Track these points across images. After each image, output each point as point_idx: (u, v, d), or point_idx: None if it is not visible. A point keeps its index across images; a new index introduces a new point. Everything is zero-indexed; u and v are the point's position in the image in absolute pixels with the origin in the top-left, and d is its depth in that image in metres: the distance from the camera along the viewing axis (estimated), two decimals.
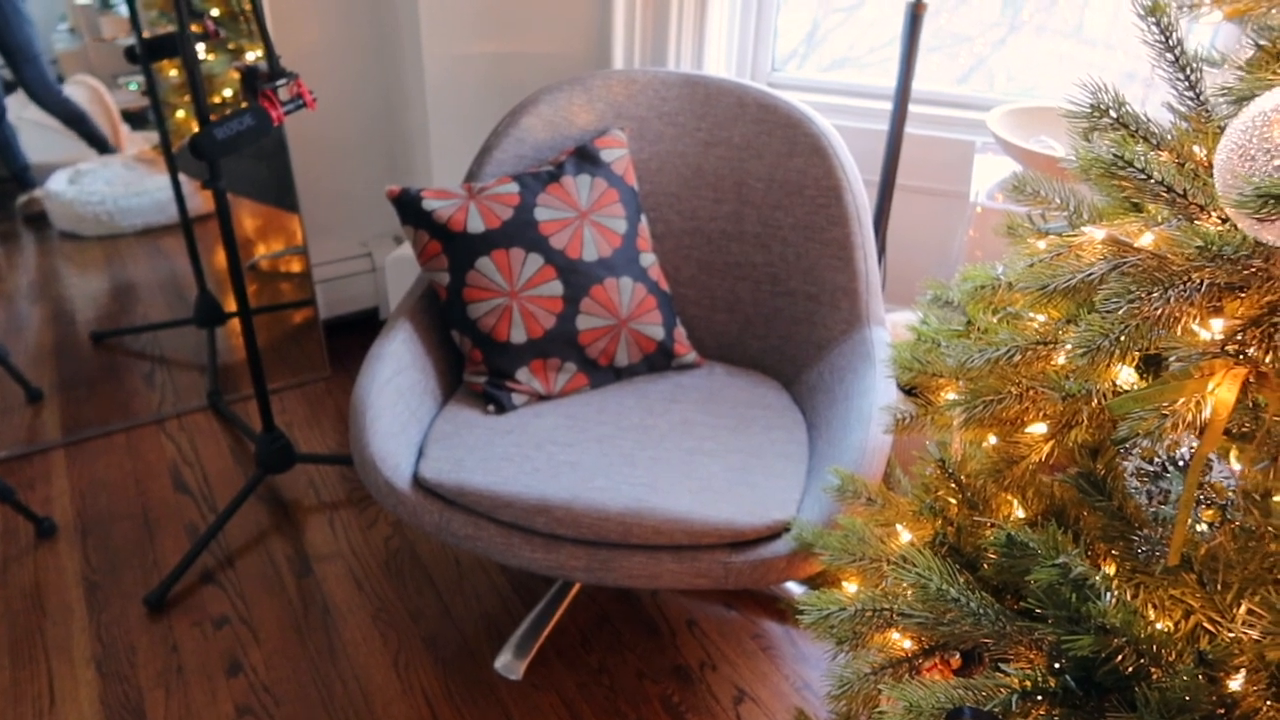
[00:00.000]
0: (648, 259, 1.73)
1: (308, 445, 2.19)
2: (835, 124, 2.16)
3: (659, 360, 1.74)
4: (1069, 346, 0.82)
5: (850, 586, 1.31)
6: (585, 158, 1.71)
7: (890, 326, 1.83)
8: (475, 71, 2.03)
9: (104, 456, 2.15)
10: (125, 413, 2.25)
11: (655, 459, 1.51)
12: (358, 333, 2.57)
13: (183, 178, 2.23)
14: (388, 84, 2.35)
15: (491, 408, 1.62)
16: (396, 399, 1.53)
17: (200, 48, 2.12)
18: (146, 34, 2.04)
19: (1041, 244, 1.15)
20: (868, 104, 2.19)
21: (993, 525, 0.99)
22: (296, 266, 2.36)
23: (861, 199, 1.70)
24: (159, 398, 2.28)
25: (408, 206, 1.63)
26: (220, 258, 2.32)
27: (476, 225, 1.62)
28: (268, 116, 1.64)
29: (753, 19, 2.15)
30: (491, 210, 1.63)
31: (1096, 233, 0.86)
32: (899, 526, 1.14)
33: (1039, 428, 0.97)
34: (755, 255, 1.78)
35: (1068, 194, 1.12)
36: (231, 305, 2.34)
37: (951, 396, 1.17)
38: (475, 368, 1.65)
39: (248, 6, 2.03)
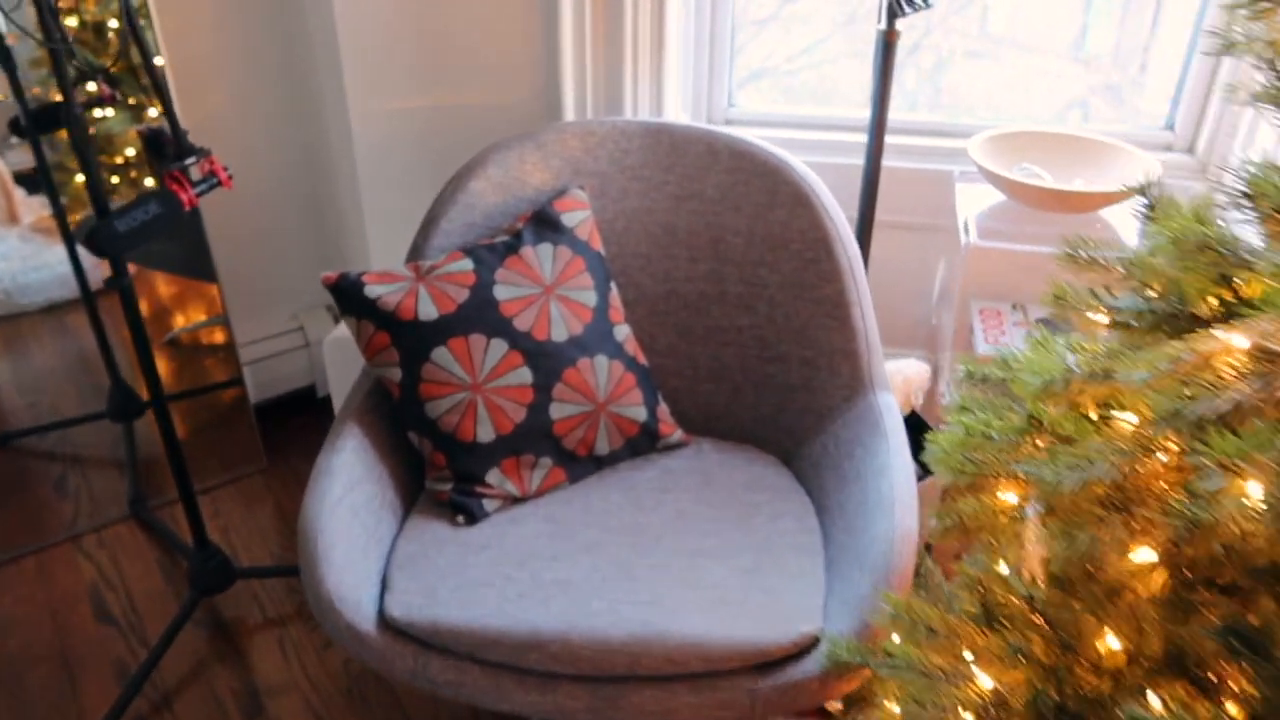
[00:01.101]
0: (622, 332, 1.55)
1: (248, 554, 1.95)
2: (801, 161, 2.01)
3: (643, 443, 1.56)
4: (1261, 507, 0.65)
5: (892, 706, 1.15)
6: (545, 223, 1.52)
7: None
8: (411, 129, 1.83)
9: (12, 588, 1.89)
10: (35, 531, 1.99)
11: (655, 568, 1.33)
12: (295, 414, 2.34)
13: (83, 251, 1.98)
14: (311, 146, 2.14)
15: (461, 518, 1.42)
16: (351, 520, 1.33)
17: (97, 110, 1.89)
18: (33, 103, 1.80)
19: (1102, 319, 1.00)
20: (832, 136, 2.05)
21: (1112, 684, 0.83)
22: (220, 337, 2.13)
23: (854, 251, 1.54)
24: (73, 509, 2.03)
25: (348, 295, 1.43)
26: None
27: (429, 311, 1.42)
28: (177, 202, 1.43)
29: (706, 54, 1.99)
30: (444, 292, 1.43)
31: (1233, 338, 0.71)
32: (968, 656, 0.98)
33: (1145, 553, 0.82)
34: (740, 318, 1.61)
35: (1131, 260, 0.97)
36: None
37: (1022, 504, 1.01)
38: (438, 473, 1.45)
39: (145, 79, 1.80)
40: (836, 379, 1.54)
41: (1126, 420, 0.86)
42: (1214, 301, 0.91)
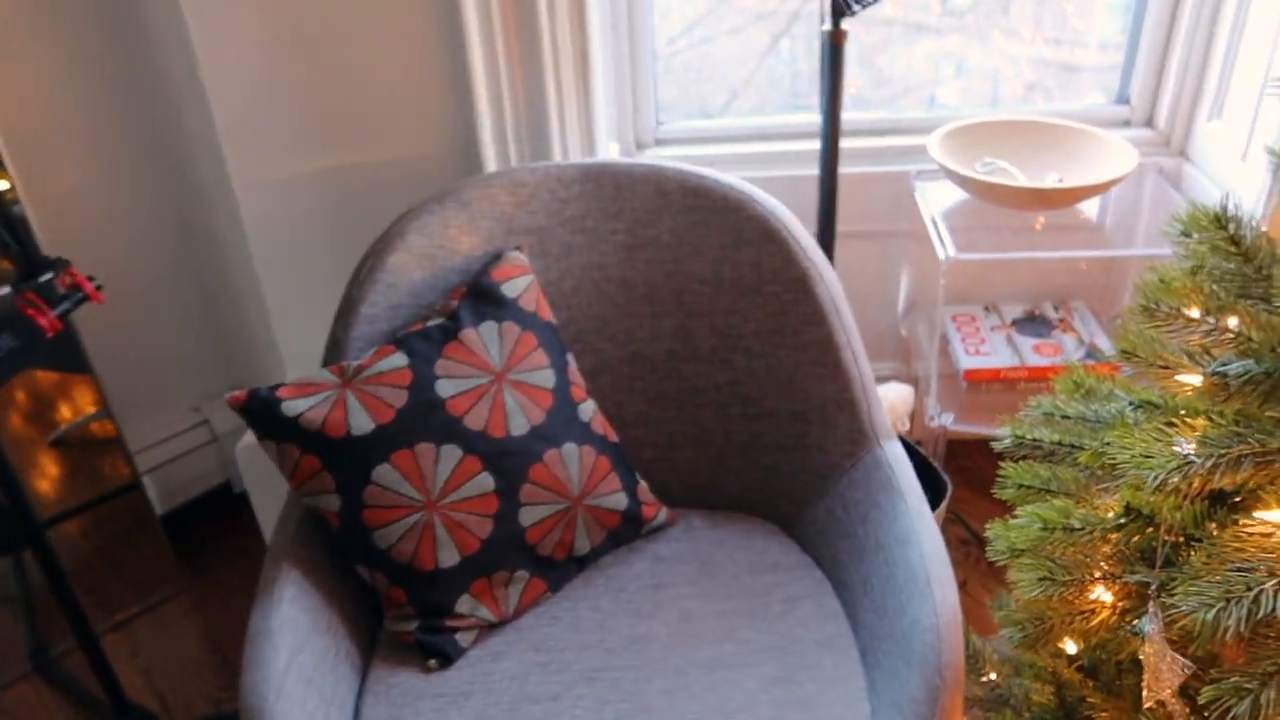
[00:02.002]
0: (587, 410, 1.35)
1: (180, 699, 1.70)
2: (741, 177, 1.83)
3: (626, 533, 1.37)
4: None
5: None
6: (483, 297, 1.31)
7: None
8: (308, 197, 1.59)
9: None
10: None
11: (671, 693, 1.14)
12: (210, 518, 2.07)
13: None
14: (193, 223, 1.87)
15: (433, 662, 1.21)
16: (304, 690, 1.10)
17: None
18: None
19: (1194, 380, 0.85)
20: (773, 147, 1.88)
21: None
22: (110, 430, 1.86)
23: (835, 287, 1.37)
24: None
25: (262, 416, 1.20)
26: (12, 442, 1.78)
27: (363, 423, 1.20)
28: (37, 331, 1.18)
29: (628, 73, 1.79)
30: (378, 398, 1.21)
31: None
32: None
33: None
34: (716, 375, 1.43)
35: (1219, 314, 0.82)
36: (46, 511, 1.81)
37: (1118, 605, 0.85)
38: (399, 611, 1.24)
39: None
40: (834, 433, 1.37)
41: (1270, 523, 0.70)
42: None
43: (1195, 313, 0.81)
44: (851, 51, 1.88)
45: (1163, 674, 0.77)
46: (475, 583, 1.24)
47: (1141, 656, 0.79)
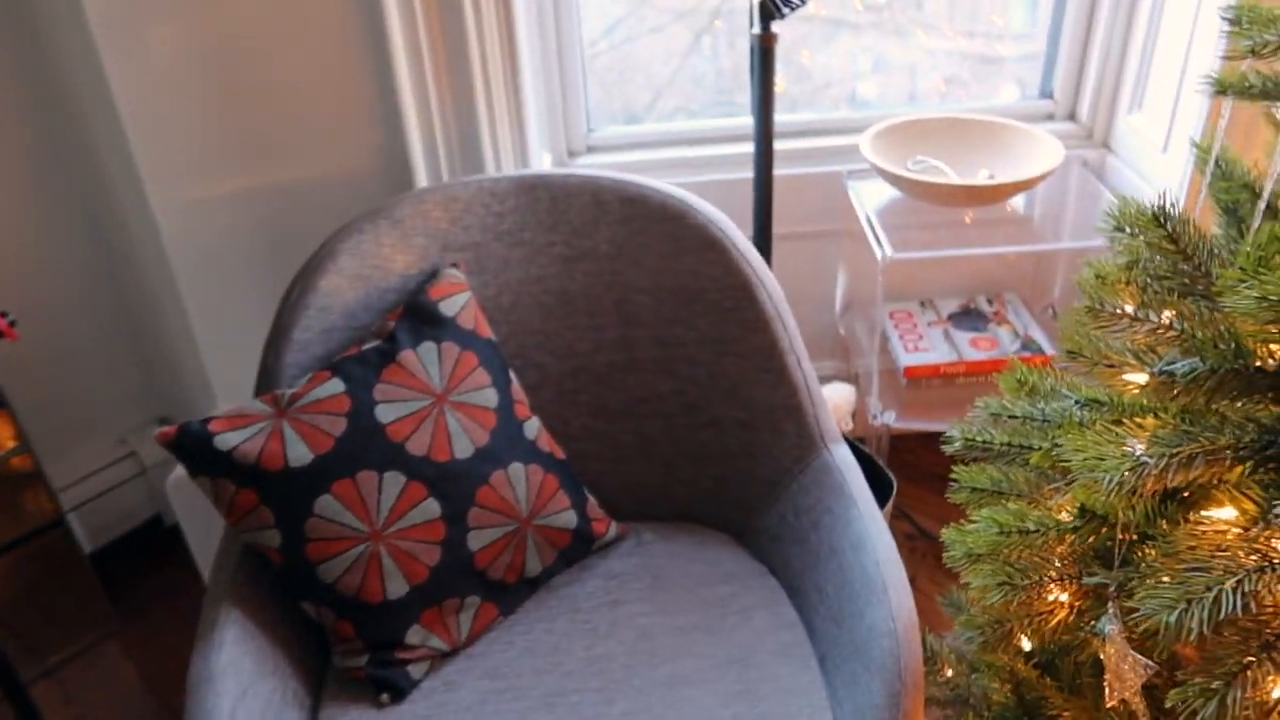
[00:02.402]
0: (532, 428, 1.32)
1: None
2: (675, 183, 1.82)
3: (577, 551, 1.35)
4: None
5: None
6: (421, 317, 1.28)
7: None
8: (232, 216, 1.53)
9: None
10: None
11: (632, 715, 1.12)
12: (142, 554, 1.99)
13: None
14: (112, 248, 1.80)
15: (386, 696, 1.17)
16: None
17: None
18: None
19: (1140, 379, 0.85)
20: (704, 151, 1.87)
21: None
22: (29, 465, 1.77)
23: (777, 293, 1.37)
24: None
25: (194, 452, 1.15)
26: None
27: (301, 454, 1.16)
28: None
29: (557, 80, 1.77)
30: (316, 427, 1.17)
31: None
32: None
33: None
34: (660, 385, 1.42)
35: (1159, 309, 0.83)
36: None
37: (1074, 605, 0.86)
38: (347, 646, 1.19)
39: None
40: (782, 439, 1.36)
41: (1223, 521, 0.71)
42: (1276, 348, 0.77)
43: (1137, 310, 0.82)
44: (810, 64, 1.89)
45: (1125, 674, 0.78)
46: (425, 612, 1.21)
47: (1102, 657, 0.80)
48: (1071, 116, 1.91)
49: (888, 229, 1.69)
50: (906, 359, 1.79)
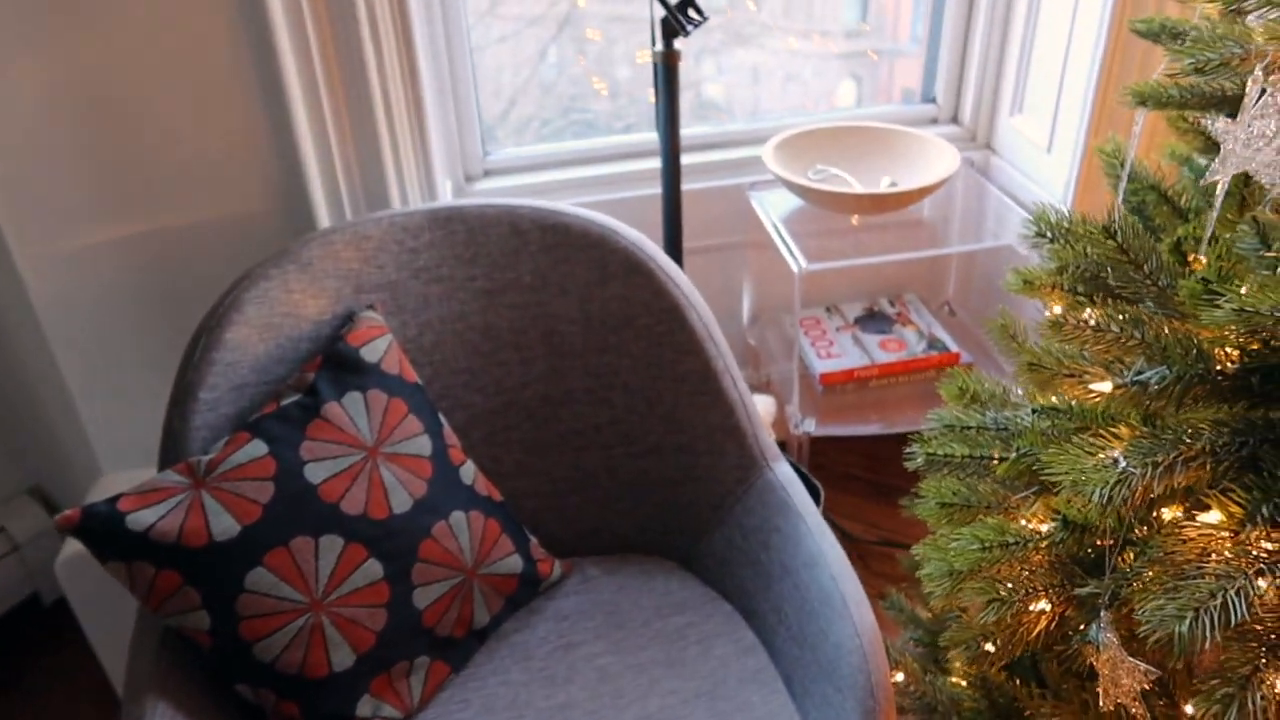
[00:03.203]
0: (469, 472, 1.27)
1: None
2: (578, 203, 1.79)
3: (524, 595, 1.29)
4: None
5: None
6: (342, 366, 1.20)
7: None
8: (112, 267, 1.41)
9: None
10: None
11: None
12: (18, 637, 1.81)
13: None
14: None
15: None
16: None
17: None
18: None
19: (1104, 388, 0.87)
20: (602, 170, 1.84)
21: None
22: None
23: (707, 314, 1.35)
24: None
25: (103, 535, 1.04)
26: None
27: (227, 527, 1.07)
28: None
29: (450, 102, 1.70)
30: (240, 495, 1.08)
31: None
32: None
33: None
34: (594, 416, 1.38)
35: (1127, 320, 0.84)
36: None
37: (1058, 612, 0.87)
38: None
39: None
40: (723, 460, 1.35)
41: (1209, 525, 0.73)
42: (1233, 352, 0.80)
43: (1099, 322, 0.83)
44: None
45: (1121, 680, 0.79)
46: (375, 680, 1.13)
47: (1096, 665, 0.81)
48: (955, 119, 1.97)
49: (805, 244, 1.70)
50: (821, 365, 1.81)
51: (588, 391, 1.37)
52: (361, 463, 1.15)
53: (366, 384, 1.20)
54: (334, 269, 1.28)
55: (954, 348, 1.83)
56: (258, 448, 1.12)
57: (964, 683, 1.11)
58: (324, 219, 1.39)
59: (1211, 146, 1.09)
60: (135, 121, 1.33)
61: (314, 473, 1.12)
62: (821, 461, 2.10)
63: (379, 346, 1.23)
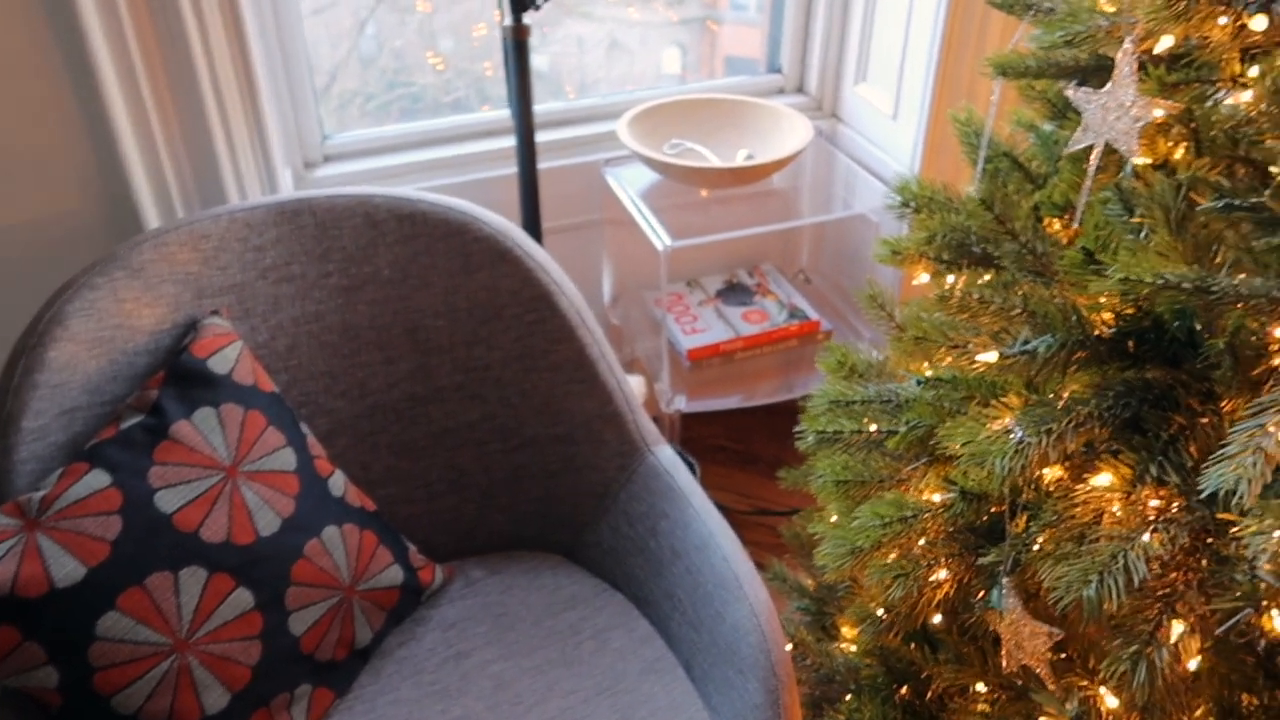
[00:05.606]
0: (338, 484, 1.19)
1: None
2: (426, 187, 1.71)
3: (406, 606, 1.23)
4: None
5: None
6: (188, 380, 1.10)
7: None
8: None
9: None
10: None
11: None
12: None
13: None
14: None
15: None
16: None
17: None
18: None
19: (989, 358, 0.89)
20: (448, 152, 1.76)
21: None
22: None
23: (578, 299, 1.31)
24: None
25: None
26: None
27: (69, 570, 0.96)
28: None
29: (284, 85, 1.58)
30: (83, 533, 0.97)
31: None
32: None
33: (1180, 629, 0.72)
34: (467, 412, 1.32)
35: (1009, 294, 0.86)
36: None
37: (958, 579, 0.88)
38: None
39: None
40: (604, 448, 1.32)
41: (1101, 487, 0.75)
42: (1109, 316, 0.83)
43: (983, 294, 0.84)
44: (495, 39, 1.79)
45: (1025, 643, 0.81)
46: (254, 716, 1.05)
47: (998, 630, 0.83)
48: (800, 89, 1.99)
49: (669, 219, 1.67)
50: (687, 342, 1.80)
51: (458, 388, 1.31)
52: (220, 485, 1.05)
53: (218, 398, 1.10)
54: (170, 273, 1.17)
55: (814, 316, 1.86)
56: (99, 478, 1.01)
57: (855, 648, 1.13)
58: (153, 218, 1.26)
59: (1058, 114, 1.13)
60: None
61: (166, 501, 1.02)
62: (688, 435, 2.11)
63: (229, 355, 1.13)
